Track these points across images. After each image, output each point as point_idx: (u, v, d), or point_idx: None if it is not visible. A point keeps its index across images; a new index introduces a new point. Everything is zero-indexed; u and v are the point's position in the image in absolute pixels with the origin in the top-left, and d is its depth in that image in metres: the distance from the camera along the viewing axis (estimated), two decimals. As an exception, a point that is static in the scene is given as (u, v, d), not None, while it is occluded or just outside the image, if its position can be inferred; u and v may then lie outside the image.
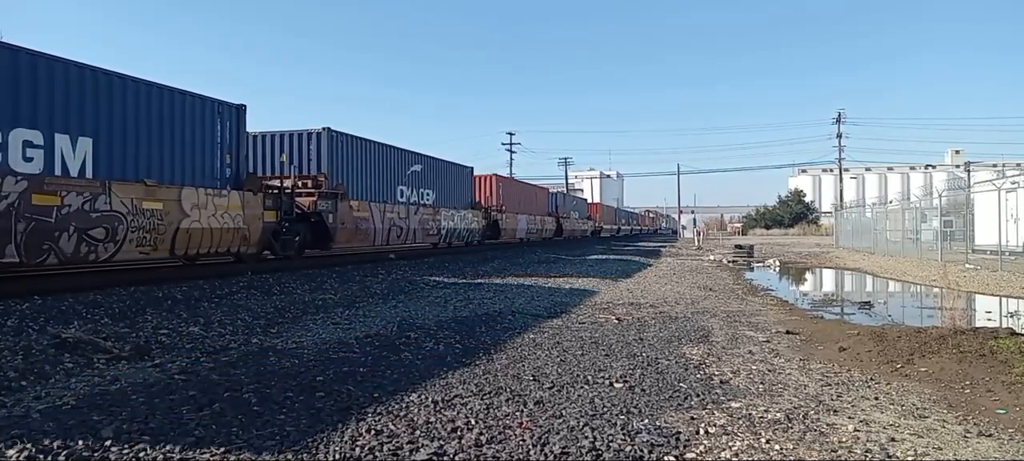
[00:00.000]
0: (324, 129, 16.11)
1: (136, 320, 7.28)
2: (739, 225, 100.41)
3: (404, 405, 4.22)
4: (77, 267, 10.22)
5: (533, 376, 5.09)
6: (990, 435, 3.84)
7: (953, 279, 12.79)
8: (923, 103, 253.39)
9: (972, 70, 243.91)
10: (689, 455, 3.43)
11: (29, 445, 3.32)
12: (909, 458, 3.44)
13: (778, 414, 4.17)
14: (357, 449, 3.39)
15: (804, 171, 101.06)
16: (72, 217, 9.29)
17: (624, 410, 4.20)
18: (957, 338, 6.13)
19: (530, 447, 3.48)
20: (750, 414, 4.17)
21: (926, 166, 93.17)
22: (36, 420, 3.73)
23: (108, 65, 10.50)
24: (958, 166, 74.40)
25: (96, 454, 3.24)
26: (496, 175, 30.07)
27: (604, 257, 24.69)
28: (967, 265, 17.47)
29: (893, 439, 3.72)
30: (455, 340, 6.68)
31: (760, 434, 3.76)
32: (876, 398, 4.64)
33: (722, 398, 4.56)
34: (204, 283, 11.08)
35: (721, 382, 5.07)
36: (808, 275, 20.65)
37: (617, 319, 8.43)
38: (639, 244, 46.03)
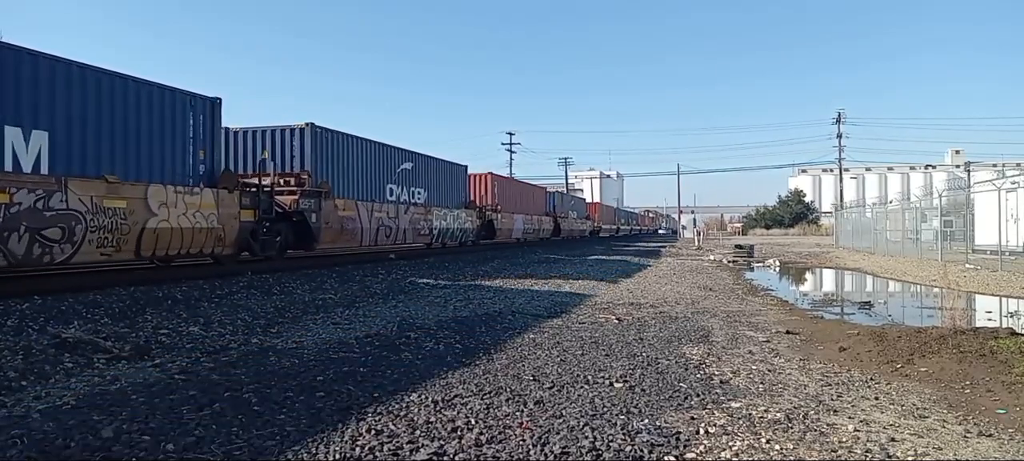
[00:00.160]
0: (307, 125, 15.53)
1: (136, 320, 7.28)
2: (739, 225, 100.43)
3: (404, 405, 4.22)
4: (34, 269, 9.65)
5: (533, 376, 5.09)
6: (990, 435, 3.84)
7: (953, 279, 12.78)
8: (923, 103, 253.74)
9: (972, 70, 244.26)
10: (689, 455, 3.43)
11: (29, 445, 3.32)
12: (909, 458, 3.44)
13: (778, 414, 4.17)
14: (357, 449, 3.39)
15: (804, 171, 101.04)
16: (23, 216, 8.79)
17: (624, 410, 4.20)
18: (957, 338, 6.13)
19: (530, 447, 3.48)
20: (750, 414, 4.17)
21: (926, 166, 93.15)
22: (36, 420, 3.73)
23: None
24: (958, 166, 74.40)
25: (96, 454, 3.24)
26: (491, 173, 29.35)
27: (604, 257, 24.69)
28: (967, 265, 17.47)
29: (893, 439, 3.72)
30: (455, 340, 6.68)
31: (760, 434, 3.76)
32: (876, 398, 4.64)
33: (722, 398, 4.56)
34: (204, 283, 11.08)
35: (721, 382, 5.07)
36: (808, 275, 20.65)
37: (617, 319, 8.43)
38: (639, 244, 46.03)
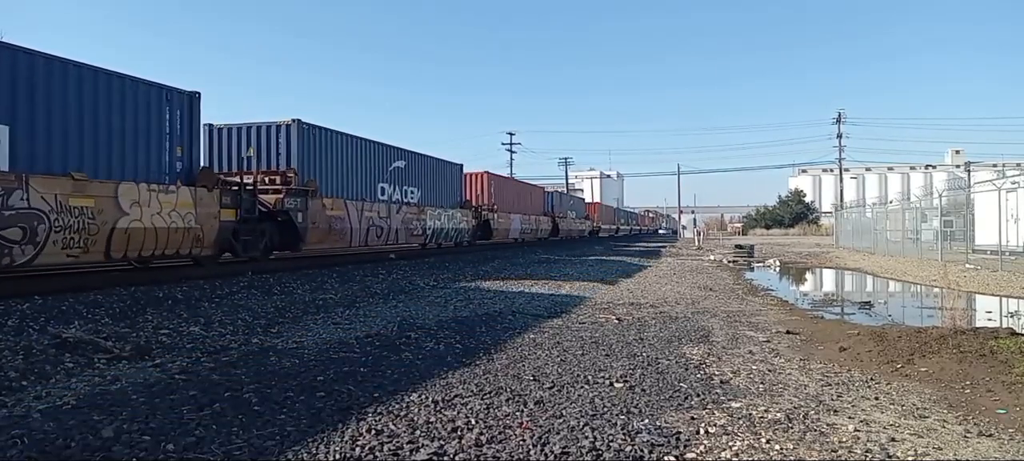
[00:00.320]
0: (294, 121, 14.98)
1: (137, 320, 7.29)
2: (739, 225, 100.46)
3: (404, 405, 4.22)
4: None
5: (533, 376, 5.09)
6: (990, 435, 3.84)
7: (953, 279, 12.77)
8: (923, 103, 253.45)
9: (972, 70, 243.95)
10: (689, 455, 3.43)
11: (30, 445, 3.32)
12: (909, 458, 3.45)
13: (778, 414, 4.18)
14: (357, 449, 3.39)
15: (804, 171, 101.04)
16: None
17: (624, 410, 4.20)
18: (957, 338, 6.13)
19: (530, 447, 3.48)
20: (750, 414, 4.17)
21: (926, 166, 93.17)
22: (36, 420, 3.74)
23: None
24: (958, 166, 74.43)
25: (97, 454, 3.24)
26: (487, 172, 28.80)
27: (603, 258, 24.70)
28: (967, 265, 17.47)
29: (893, 439, 3.72)
30: (455, 340, 6.68)
31: (760, 434, 3.76)
32: (876, 398, 4.65)
33: (722, 398, 4.56)
34: (204, 283, 11.08)
35: (721, 382, 5.07)
36: (808, 275, 20.66)
37: (617, 319, 8.43)
38: (639, 244, 46.04)
